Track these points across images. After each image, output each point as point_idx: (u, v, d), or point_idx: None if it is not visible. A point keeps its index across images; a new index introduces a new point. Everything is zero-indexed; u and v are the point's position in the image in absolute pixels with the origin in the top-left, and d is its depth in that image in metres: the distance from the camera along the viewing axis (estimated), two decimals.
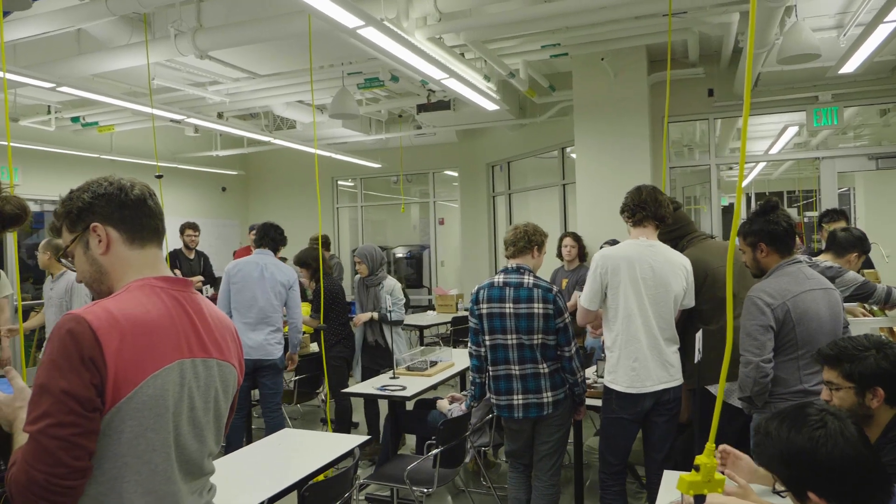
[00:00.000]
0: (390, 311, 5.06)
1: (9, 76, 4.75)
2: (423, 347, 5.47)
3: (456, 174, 10.55)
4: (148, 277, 1.47)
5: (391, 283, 5.22)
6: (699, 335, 2.51)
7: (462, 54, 5.54)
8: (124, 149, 8.84)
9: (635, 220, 3.15)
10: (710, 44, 6.33)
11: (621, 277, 3.01)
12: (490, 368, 3.38)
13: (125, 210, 1.48)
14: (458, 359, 4.92)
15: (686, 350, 3.03)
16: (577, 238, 6.18)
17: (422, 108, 7.86)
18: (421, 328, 7.52)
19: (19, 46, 5.20)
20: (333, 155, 8.51)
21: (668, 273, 3.04)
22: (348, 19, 3.77)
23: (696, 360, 2.49)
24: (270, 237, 4.77)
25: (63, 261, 1.56)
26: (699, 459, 1.49)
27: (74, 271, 1.55)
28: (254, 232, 7.55)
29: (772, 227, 2.71)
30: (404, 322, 5.28)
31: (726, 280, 1.56)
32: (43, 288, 5.04)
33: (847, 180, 10.78)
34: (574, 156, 8.38)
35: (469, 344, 3.49)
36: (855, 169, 6.49)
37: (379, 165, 9.63)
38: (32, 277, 7.99)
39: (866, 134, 9.17)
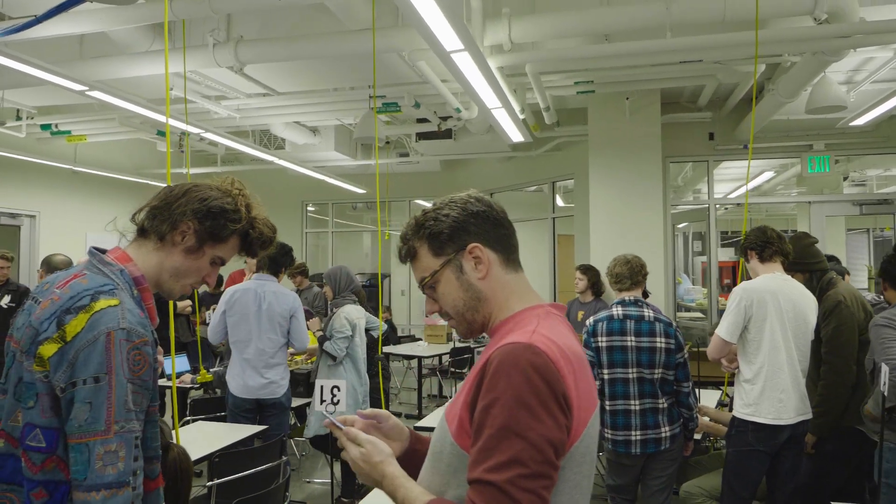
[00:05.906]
0: (328, 339, 4.43)
1: (35, 72, 4.28)
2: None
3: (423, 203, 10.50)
4: (544, 304, 1.32)
5: (342, 311, 4.47)
6: (885, 369, 2.56)
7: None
8: (89, 160, 8.21)
9: (764, 257, 3.23)
10: (718, 90, 6.67)
11: (768, 310, 3.06)
12: (607, 403, 3.32)
13: (500, 229, 1.34)
14: None
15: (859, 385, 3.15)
16: (585, 271, 6.19)
17: (423, 136, 7.76)
18: (420, 358, 7.32)
19: (11, 45, 4.69)
20: (327, 178, 8.24)
21: (805, 307, 3.14)
22: (451, 41, 3.66)
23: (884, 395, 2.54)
24: (273, 259, 4.20)
25: (426, 292, 1.37)
26: None
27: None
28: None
29: None
30: (341, 358, 4.43)
31: None
32: None
33: (789, 223, 11.65)
34: (557, 196, 8.61)
35: None
36: (841, 213, 6.99)
37: (364, 191, 9.42)
38: None
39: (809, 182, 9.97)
